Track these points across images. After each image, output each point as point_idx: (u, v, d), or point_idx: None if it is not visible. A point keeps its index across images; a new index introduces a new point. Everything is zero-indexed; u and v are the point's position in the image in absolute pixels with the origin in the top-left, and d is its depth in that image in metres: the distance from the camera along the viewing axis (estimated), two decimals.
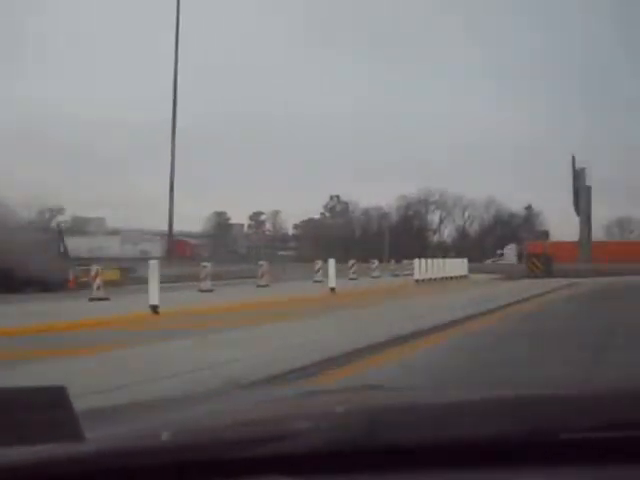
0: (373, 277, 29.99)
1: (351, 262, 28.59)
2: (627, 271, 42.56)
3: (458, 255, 46.32)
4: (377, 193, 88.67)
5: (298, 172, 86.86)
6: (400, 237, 69.84)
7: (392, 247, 59.62)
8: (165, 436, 1.32)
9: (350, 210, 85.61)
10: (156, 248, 50.55)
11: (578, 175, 49.15)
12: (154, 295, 13.30)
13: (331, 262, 20.63)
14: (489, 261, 55.40)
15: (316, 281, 24.30)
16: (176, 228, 44.97)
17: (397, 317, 12.27)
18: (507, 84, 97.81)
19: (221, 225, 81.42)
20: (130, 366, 7.35)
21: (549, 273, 32.07)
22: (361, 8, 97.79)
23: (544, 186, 74.67)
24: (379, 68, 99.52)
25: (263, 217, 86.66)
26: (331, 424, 1.36)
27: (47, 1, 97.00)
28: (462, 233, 78.33)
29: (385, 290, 21.38)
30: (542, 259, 32.29)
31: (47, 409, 1.15)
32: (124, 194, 72.71)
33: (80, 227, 61.97)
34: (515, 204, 74.54)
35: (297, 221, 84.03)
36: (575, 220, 49.22)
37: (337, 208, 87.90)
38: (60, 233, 28.95)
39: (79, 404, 1.22)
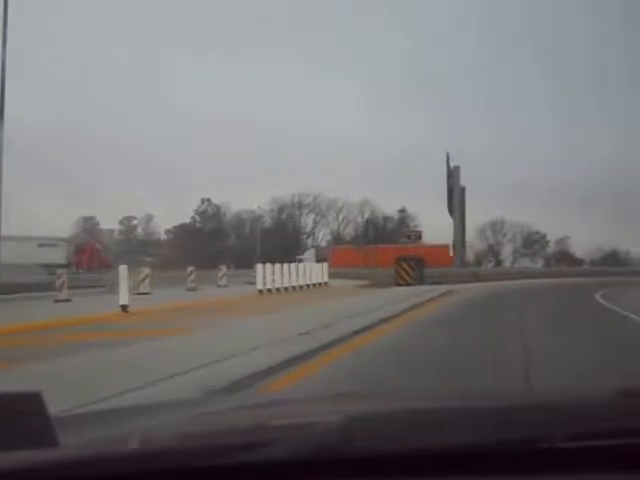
0: (219, 286, 25.53)
1: (189, 269, 24.16)
2: (502, 276, 40.36)
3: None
4: (250, 196, 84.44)
5: (171, 175, 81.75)
6: (274, 241, 67.41)
7: (266, 251, 56.42)
8: (137, 444, 1.33)
9: (222, 213, 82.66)
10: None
11: (452, 173, 46.69)
12: None
13: (122, 270, 14.67)
14: None
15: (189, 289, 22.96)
16: (41, 233, 44.02)
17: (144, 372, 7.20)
18: (383, 87, 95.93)
19: (89, 230, 76.16)
20: None
21: (421, 280, 28.25)
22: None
23: (420, 189, 73.41)
24: (253, 70, 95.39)
25: (135, 222, 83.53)
26: (308, 432, 1.36)
27: None
28: (337, 236, 76.11)
29: (201, 307, 16.20)
30: (412, 264, 28.16)
31: (21, 415, 1.17)
32: None
33: None
34: (390, 207, 73.70)
35: (170, 226, 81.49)
36: (450, 223, 47.11)
37: (209, 212, 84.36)
38: None
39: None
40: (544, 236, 74.47)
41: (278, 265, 23.67)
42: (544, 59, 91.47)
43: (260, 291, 22.01)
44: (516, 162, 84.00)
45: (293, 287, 24.30)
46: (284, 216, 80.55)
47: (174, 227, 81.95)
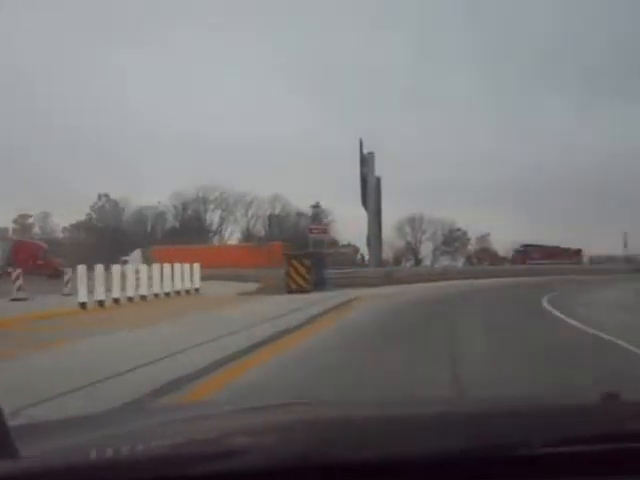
0: (64, 294, 18.88)
1: (15, 272, 18.17)
2: (421, 277, 34.85)
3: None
4: (152, 191, 77.21)
5: (68, 170, 74.61)
6: (179, 239, 61.17)
7: None
8: (100, 453, 1.28)
9: (121, 209, 75.53)
10: None
11: (366, 160, 40.86)
12: None
13: None
14: None
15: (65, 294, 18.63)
16: None
17: None
18: (300, 75, 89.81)
19: None
20: None
21: (321, 283, 22.15)
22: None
23: (336, 183, 67.74)
24: (153, 61, 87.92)
25: (30, 220, 76.88)
26: (275, 441, 1.32)
27: None
28: (246, 234, 69.66)
29: None
30: (308, 264, 21.39)
31: None
32: None
33: None
34: (304, 202, 67.41)
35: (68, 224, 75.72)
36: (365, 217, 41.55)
37: (106, 208, 77.56)
38: None
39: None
40: (465, 233, 70.09)
41: (119, 267, 17.19)
42: (466, 56, 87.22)
43: (81, 304, 15.22)
44: (435, 158, 79.80)
45: (143, 296, 17.83)
46: (189, 212, 74.37)
47: (71, 225, 76.25)
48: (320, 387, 6.69)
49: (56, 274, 29.29)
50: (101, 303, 15.88)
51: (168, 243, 60.50)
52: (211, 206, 72.72)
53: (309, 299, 18.03)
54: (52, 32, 78.26)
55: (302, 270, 21.06)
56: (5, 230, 73.56)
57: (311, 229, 32.00)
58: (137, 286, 17.80)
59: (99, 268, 16.30)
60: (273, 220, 44.17)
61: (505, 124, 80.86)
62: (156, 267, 18.86)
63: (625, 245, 59.59)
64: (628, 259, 57.68)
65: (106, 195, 75.42)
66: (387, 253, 56.38)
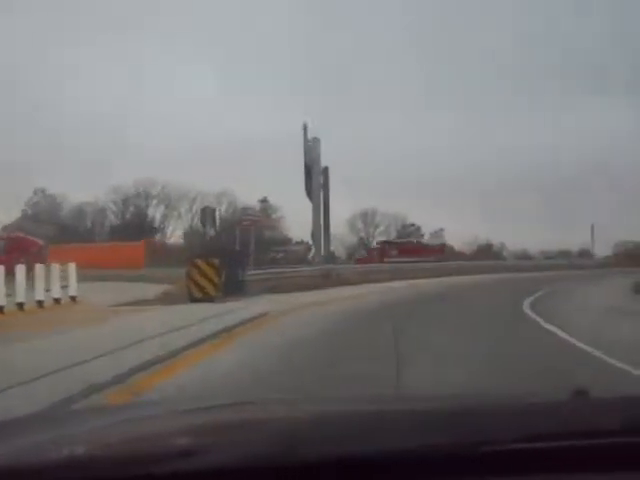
0: None
1: None
2: (372, 276, 30.53)
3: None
4: (89, 186, 71.57)
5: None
6: (120, 236, 57.75)
7: None
8: (66, 452, 1.23)
9: (58, 205, 70.32)
10: None
11: (310, 148, 36.47)
12: None
13: None
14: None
15: None
16: None
17: None
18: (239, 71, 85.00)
19: None
20: None
21: (237, 289, 17.60)
22: None
23: (285, 178, 63.40)
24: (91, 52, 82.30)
25: None
26: (243, 439, 1.29)
27: None
28: (192, 231, 64.99)
29: None
30: (218, 263, 16.65)
31: None
32: None
33: None
34: (252, 197, 63.72)
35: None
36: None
37: (42, 204, 72.02)
38: None
39: None
40: (419, 228, 66.68)
41: None
42: (422, 46, 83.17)
43: None
44: (387, 151, 75.91)
45: None
46: (131, 208, 69.59)
47: (10, 224, 68.13)
48: None
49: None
50: None
51: (110, 241, 56.71)
52: (153, 201, 68.15)
53: (210, 311, 13.54)
54: None
55: (209, 272, 16.36)
56: None
57: (241, 220, 27.21)
58: None
59: None
60: (208, 214, 39.59)
61: (462, 120, 77.36)
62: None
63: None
64: (564, 254, 58.49)
65: (42, 190, 70.14)
66: (339, 249, 52.46)
